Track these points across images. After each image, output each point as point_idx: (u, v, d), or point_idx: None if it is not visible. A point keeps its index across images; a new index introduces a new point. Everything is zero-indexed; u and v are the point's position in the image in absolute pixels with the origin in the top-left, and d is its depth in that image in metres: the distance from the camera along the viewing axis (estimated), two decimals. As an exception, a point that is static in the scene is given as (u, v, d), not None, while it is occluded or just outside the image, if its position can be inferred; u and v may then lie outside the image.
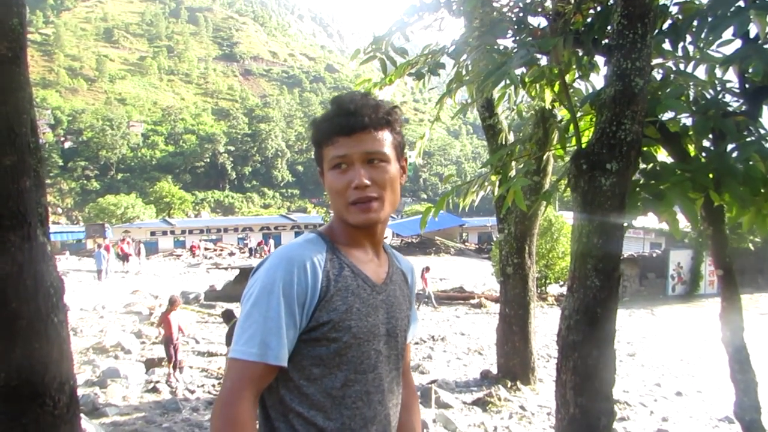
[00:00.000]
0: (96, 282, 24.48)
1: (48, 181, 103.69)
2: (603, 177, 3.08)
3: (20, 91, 2.61)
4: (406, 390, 1.86)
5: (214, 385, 8.59)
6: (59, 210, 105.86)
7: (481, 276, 26.43)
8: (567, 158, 3.92)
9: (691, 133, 3.55)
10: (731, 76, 3.57)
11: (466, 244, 50.94)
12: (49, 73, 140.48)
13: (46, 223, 2.86)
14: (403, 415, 1.79)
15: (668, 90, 3.54)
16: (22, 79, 2.63)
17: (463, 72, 4.65)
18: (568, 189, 3.39)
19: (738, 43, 3.29)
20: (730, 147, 3.32)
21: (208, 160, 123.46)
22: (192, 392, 8.14)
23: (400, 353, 1.72)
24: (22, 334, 2.57)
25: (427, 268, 18.44)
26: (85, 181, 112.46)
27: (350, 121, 1.53)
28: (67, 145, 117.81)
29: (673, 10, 3.81)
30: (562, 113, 5.63)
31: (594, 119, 3.55)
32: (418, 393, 7.83)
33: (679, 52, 3.69)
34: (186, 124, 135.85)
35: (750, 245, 20.05)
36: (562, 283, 19.86)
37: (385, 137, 1.58)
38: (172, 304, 8.95)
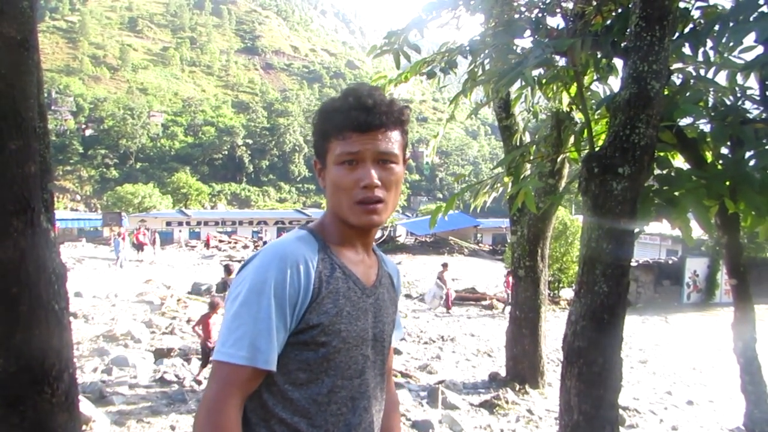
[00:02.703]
0: (112, 269, 24.70)
1: (68, 168, 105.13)
2: (615, 181, 3.02)
3: (28, 75, 2.59)
4: (387, 395, 1.79)
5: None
6: (78, 197, 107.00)
7: (493, 277, 26.29)
8: (581, 162, 3.87)
9: (708, 139, 3.49)
10: (752, 83, 3.50)
11: (480, 245, 50.76)
12: (73, 61, 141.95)
13: (52, 209, 2.84)
14: (383, 421, 1.73)
15: (687, 95, 3.48)
16: (31, 63, 2.61)
17: (479, 71, 4.60)
18: (580, 192, 3.33)
19: (760, 49, 3.22)
20: (748, 155, 3.25)
21: (226, 152, 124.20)
22: (199, 383, 8.14)
23: (385, 358, 1.66)
24: (22, 320, 2.56)
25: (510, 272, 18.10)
26: (104, 169, 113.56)
27: (367, 117, 1.45)
28: (88, 132, 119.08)
29: (695, 14, 3.74)
30: (578, 116, 5.58)
31: (609, 123, 3.50)
32: (425, 393, 7.82)
33: (700, 57, 3.62)
34: (206, 115, 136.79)
35: (768, 255, 19.82)
36: (575, 287, 19.67)
37: (397, 137, 1.52)
38: (213, 307, 8.95)
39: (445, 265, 18.72)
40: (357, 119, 1.45)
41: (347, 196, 1.48)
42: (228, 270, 10.66)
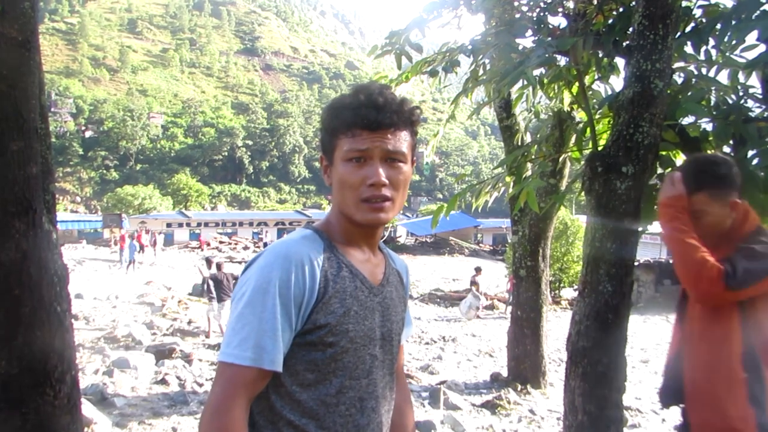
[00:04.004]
0: (115, 271, 24.70)
1: (68, 169, 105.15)
2: (618, 180, 3.01)
3: (30, 76, 2.58)
4: (399, 392, 1.77)
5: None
6: (78, 199, 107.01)
7: (494, 278, 26.26)
8: (583, 161, 3.86)
9: (711, 138, 3.48)
10: (754, 82, 3.49)
11: (481, 245, 50.81)
12: (72, 62, 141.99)
13: (53, 210, 2.82)
14: (396, 418, 1.71)
15: (689, 94, 3.47)
16: (33, 63, 2.60)
17: (480, 71, 4.59)
18: (583, 192, 3.32)
19: (762, 48, 3.21)
20: (750, 153, 3.24)
21: (226, 153, 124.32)
22: (200, 385, 8.12)
23: (394, 357, 1.64)
24: (24, 321, 2.54)
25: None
26: (104, 171, 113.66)
27: (378, 116, 1.43)
28: (87, 134, 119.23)
29: (697, 13, 3.73)
30: (580, 115, 5.57)
31: (612, 122, 3.49)
32: (427, 393, 7.81)
33: (702, 56, 3.61)
34: (205, 117, 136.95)
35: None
36: (576, 287, 19.67)
37: (406, 137, 1.50)
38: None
39: (478, 270, 17.76)
40: (367, 117, 1.43)
41: (353, 194, 1.45)
42: (209, 263, 11.65)
